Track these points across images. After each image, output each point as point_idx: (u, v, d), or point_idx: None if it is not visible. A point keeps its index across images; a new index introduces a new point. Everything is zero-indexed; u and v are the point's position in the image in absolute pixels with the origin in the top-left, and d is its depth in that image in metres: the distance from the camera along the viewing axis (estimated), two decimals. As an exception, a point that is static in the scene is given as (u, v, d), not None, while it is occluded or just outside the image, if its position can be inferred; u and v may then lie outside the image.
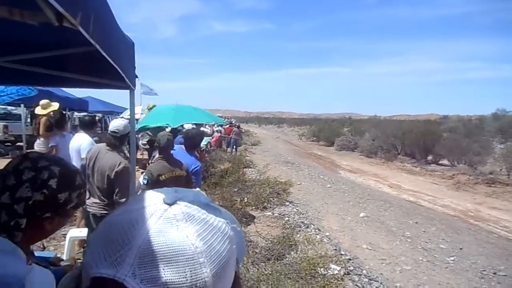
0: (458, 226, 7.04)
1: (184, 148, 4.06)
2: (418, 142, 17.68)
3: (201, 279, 0.43)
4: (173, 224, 0.44)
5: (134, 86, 2.30)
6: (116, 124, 3.22)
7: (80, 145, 4.30)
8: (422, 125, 21.91)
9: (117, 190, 3.00)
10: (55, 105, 5.87)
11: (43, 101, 5.74)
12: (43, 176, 0.92)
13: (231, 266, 0.48)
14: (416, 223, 7.04)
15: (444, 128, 22.79)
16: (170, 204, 0.46)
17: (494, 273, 4.82)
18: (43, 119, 5.53)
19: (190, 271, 0.42)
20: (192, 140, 4.06)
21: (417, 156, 17.49)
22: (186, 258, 0.42)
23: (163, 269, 0.41)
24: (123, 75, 1.72)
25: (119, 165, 3.00)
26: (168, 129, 5.95)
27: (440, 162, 16.42)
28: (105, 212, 3.03)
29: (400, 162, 16.98)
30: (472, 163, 14.14)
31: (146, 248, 0.41)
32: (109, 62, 1.45)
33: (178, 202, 0.47)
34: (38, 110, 5.74)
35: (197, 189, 3.26)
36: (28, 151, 5.98)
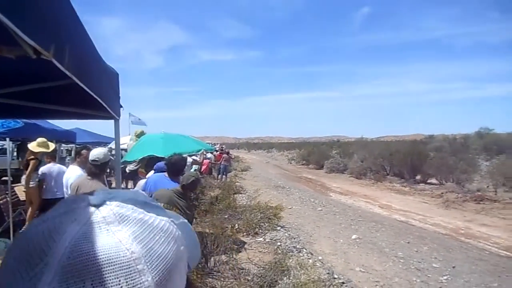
0: (449, 244, 7.04)
1: (167, 175, 3.98)
2: (406, 162, 17.89)
3: None
4: (103, 228, 0.38)
5: (119, 116, 2.32)
6: (96, 153, 3.24)
7: (68, 179, 4.26)
8: (409, 145, 22.24)
9: None
10: (51, 146, 5.80)
11: (40, 139, 5.65)
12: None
13: (180, 271, 0.42)
14: (408, 243, 7.01)
15: (430, 147, 23.14)
16: (97, 206, 0.40)
17: (488, 291, 4.80)
18: (34, 162, 5.46)
19: (127, 281, 0.35)
20: (175, 166, 3.93)
21: (405, 176, 17.66)
22: (120, 267, 0.35)
23: (92, 284, 0.34)
24: (105, 105, 1.74)
25: None
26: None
27: (429, 181, 16.58)
28: None
29: (390, 182, 17.09)
30: (460, 181, 14.33)
31: (67, 261, 0.34)
32: (90, 94, 1.48)
33: (107, 202, 0.40)
34: (32, 147, 5.65)
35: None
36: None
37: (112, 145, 8.55)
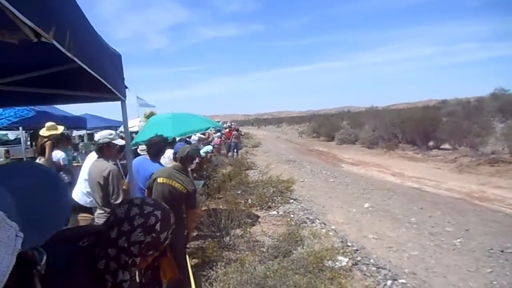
0: (463, 208, 7.04)
1: (148, 157, 4.00)
2: (418, 129, 17.63)
3: None
4: None
5: (125, 97, 2.34)
6: (97, 135, 3.47)
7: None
8: (421, 111, 21.84)
9: (110, 194, 3.17)
10: (60, 128, 5.93)
11: (49, 123, 5.80)
12: (151, 221, 1.07)
13: None
14: (421, 208, 7.05)
15: (443, 112, 22.70)
16: None
17: (502, 251, 4.83)
18: (49, 143, 5.58)
19: None
20: (154, 147, 3.92)
21: (418, 143, 17.45)
22: None
23: None
24: (109, 86, 1.76)
25: (105, 170, 3.16)
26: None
27: (442, 146, 16.39)
28: None
29: (402, 150, 16.96)
30: (474, 145, 14.10)
31: None
32: (95, 76, 1.50)
33: None
34: (42, 132, 5.79)
35: None
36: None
37: (122, 128, 8.67)
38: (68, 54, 1.04)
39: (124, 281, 1.02)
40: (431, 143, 17.10)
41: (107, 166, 3.21)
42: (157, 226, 1.07)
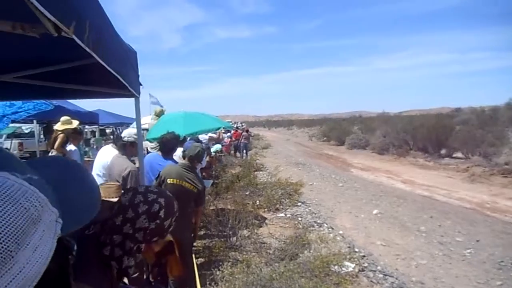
0: (474, 218, 6.92)
1: (160, 153, 4.03)
2: (430, 136, 17.39)
3: None
4: None
5: (139, 93, 2.36)
6: (125, 132, 3.52)
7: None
8: (434, 118, 21.58)
9: None
10: (74, 123, 5.99)
11: (64, 118, 5.86)
12: (155, 208, 1.09)
13: (31, 236, 0.39)
14: (431, 217, 6.94)
15: (457, 120, 22.39)
16: None
17: (513, 264, 4.73)
18: (62, 135, 5.64)
19: None
20: (167, 145, 3.94)
21: (430, 151, 17.20)
22: None
23: None
24: (124, 82, 1.78)
25: (125, 170, 3.18)
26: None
27: (454, 155, 16.13)
28: None
29: (413, 157, 16.75)
30: (487, 155, 13.84)
31: None
32: (111, 72, 1.52)
33: None
34: (57, 126, 5.87)
35: None
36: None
37: (135, 125, 8.72)
38: (87, 49, 1.05)
39: (129, 266, 1.04)
40: (443, 151, 16.85)
41: (128, 165, 3.25)
42: (161, 213, 1.10)
